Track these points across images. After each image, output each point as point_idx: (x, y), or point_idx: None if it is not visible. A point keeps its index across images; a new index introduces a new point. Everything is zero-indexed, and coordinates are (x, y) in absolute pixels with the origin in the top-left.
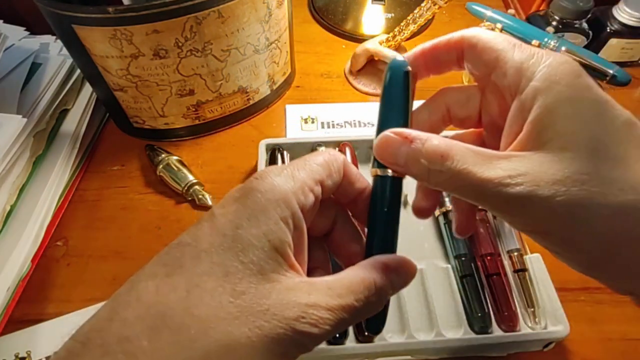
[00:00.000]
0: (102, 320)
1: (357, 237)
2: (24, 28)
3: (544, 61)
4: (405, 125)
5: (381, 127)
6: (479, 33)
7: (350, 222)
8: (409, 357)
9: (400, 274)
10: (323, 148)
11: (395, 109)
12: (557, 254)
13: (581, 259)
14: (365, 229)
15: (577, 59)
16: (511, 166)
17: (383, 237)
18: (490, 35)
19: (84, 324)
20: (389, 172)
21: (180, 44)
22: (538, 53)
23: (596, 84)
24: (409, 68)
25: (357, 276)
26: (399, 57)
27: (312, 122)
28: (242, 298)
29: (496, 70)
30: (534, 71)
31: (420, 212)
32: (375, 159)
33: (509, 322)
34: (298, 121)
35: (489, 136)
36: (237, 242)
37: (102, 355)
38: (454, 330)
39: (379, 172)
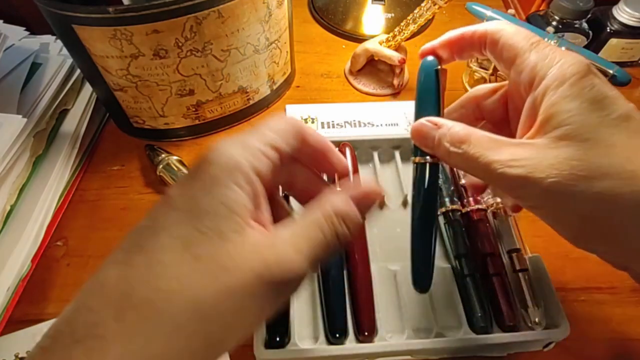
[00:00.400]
0: (69, 313)
1: (319, 181)
2: (24, 28)
3: (556, 62)
4: (438, 115)
5: (417, 117)
6: (502, 30)
7: (310, 171)
8: (409, 357)
9: (369, 195)
10: None
11: (429, 103)
12: (552, 226)
13: (568, 233)
14: (328, 177)
15: None
16: (517, 151)
17: (425, 213)
18: (511, 32)
19: (54, 321)
20: (427, 158)
21: (180, 44)
22: (552, 54)
23: (602, 82)
24: (439, 67)
25: (315, 214)
26: (429, 57)
27: (312, 122)
28: (203, 262)
29: (514, 67)
30: (547, 71)
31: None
32: (415, 150)
33: (509, 322)
34: None
35: (514, 123)
36: (192, 213)
37: (72, 344)
38: (454, 330)
39: (419, 159)
